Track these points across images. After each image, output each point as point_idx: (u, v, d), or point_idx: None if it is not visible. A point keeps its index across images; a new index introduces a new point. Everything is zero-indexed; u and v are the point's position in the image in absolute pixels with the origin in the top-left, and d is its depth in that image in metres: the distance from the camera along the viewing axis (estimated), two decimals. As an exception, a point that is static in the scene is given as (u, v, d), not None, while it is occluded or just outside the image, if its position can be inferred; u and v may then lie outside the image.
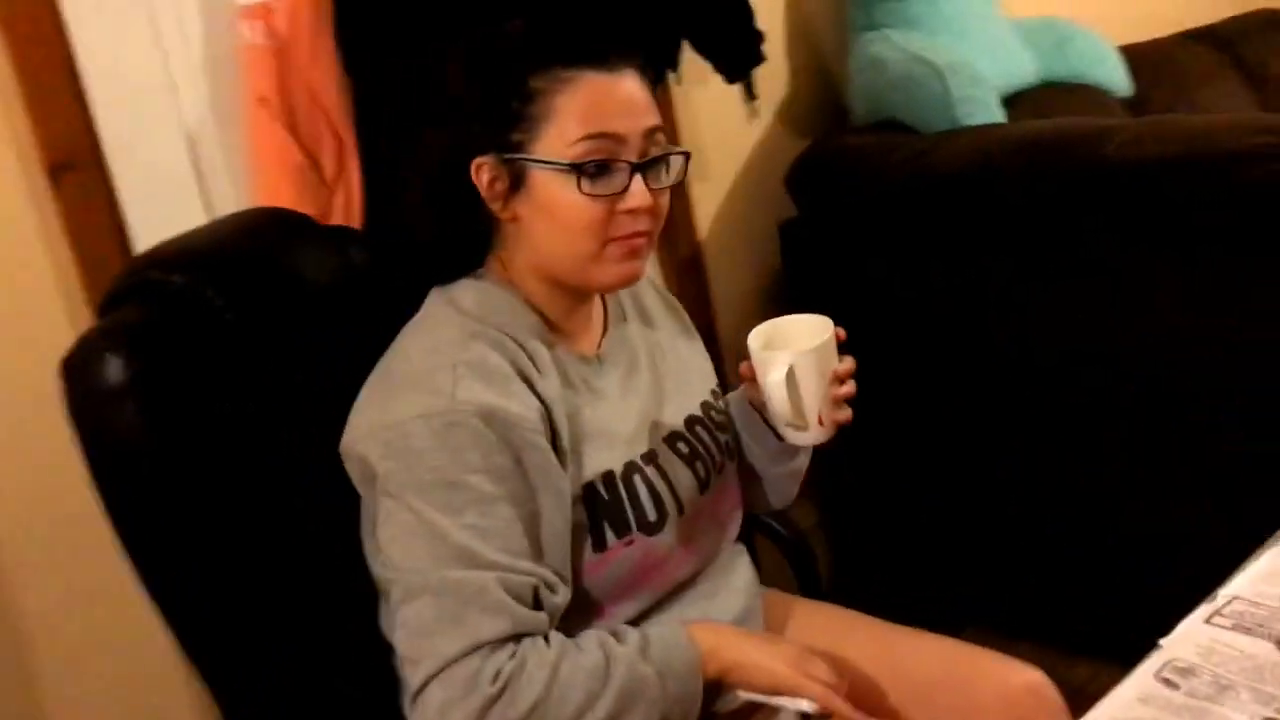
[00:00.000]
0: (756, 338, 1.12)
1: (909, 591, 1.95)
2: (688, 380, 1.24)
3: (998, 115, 2.07)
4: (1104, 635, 2.01)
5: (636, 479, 1.11)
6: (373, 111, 1.56)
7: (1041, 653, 1.29)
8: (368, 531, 1.10)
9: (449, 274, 1.13)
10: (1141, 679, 0.82)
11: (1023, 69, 2.38)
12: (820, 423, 1.11)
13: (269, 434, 1.08)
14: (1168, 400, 1.75)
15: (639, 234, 1.07)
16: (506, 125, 1.05)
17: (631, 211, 1.05)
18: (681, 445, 1.18)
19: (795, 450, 1.25)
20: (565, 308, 1.13)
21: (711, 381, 1.28)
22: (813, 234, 2.12)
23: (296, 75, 1.55)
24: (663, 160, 1.08)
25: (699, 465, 1.18)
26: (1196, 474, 1.78)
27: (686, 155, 1.11)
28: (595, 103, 1.04)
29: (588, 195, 1.03)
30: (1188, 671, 0.82)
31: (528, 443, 1.01)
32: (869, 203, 2.01)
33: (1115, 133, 1.73)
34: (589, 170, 1.03)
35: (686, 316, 1.31)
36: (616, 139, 1.04)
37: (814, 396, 1.10)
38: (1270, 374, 1.62)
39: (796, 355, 1.08)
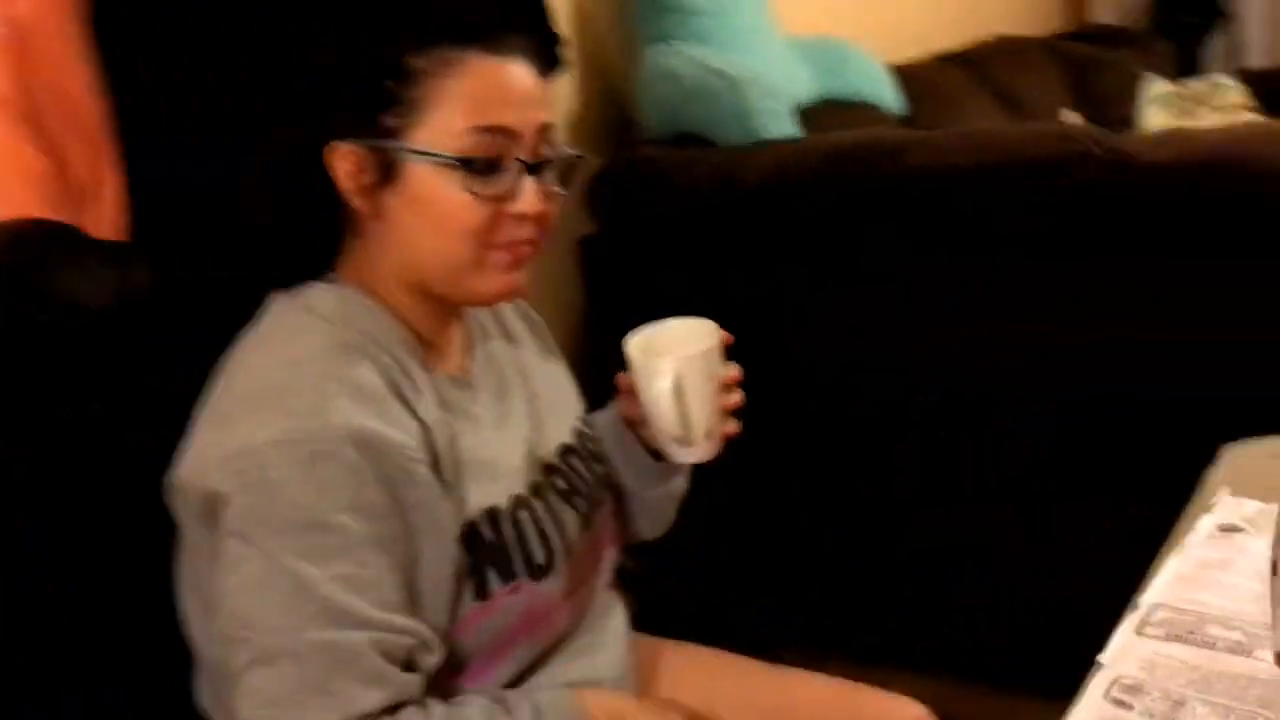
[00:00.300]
0: (635, 345, 1.02)
1: (716, 613, 1.89)
2: (558, 405, 1.11)
3: (792, 128, 2.05)
4: (904, 648, 2.04)
5: (523, 516, 0.97)
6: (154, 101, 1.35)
7: (919, 682, 1.24)
8: (189, 583, 0.93)
9: (294, 276, 0.96)
10: (1092, 702, 0.76)
11: (804, 85, 2.38)
12: (708, 435, 1.02)
13: (113, 441, 0.94)
14: (967, 408, 1.76)
15: (526, 242, 0.95)
16: (378, 108, 0.90)
17: (520, 216, 0.93)
18: (559, 479, 1.05)
19: (674, 470, 1.14)
20: (434, 322, 0.99)
21: (579, 406, 1.16)
22: (613, 250, 2.03)
23: (41, 71, 1.33)
24: (555, 162, 0.97)
25: (579, 501, 1.05)
26: (997, 481, 1.80)
27: (579, 158, 1.00)
28: (486, 90, 0.91)
29: (474, 195, 0.90)
30: (1136, 689, 0.77)
31: (408, 475, 0.87)
32: (670, 217, 1.94)
33: (915, 144, 1.74)
34: (478, 167, 0.90)
35: (548, 334, 1.19)
36: (508, 134, 0.92)
37: (702, 407, 1.00)
38: (1069, 377, 1.66)
39: (683, 361, 0.98)
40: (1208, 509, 0.97)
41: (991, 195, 1.65)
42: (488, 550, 0.94)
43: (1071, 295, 1.62)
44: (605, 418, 1.17)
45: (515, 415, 1.04)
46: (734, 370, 1.05)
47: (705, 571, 2.18)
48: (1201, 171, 1.48)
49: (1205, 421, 1.50)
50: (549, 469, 1.04)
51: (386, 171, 0.91)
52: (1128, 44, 3.87)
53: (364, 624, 0.83)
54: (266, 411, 0.86)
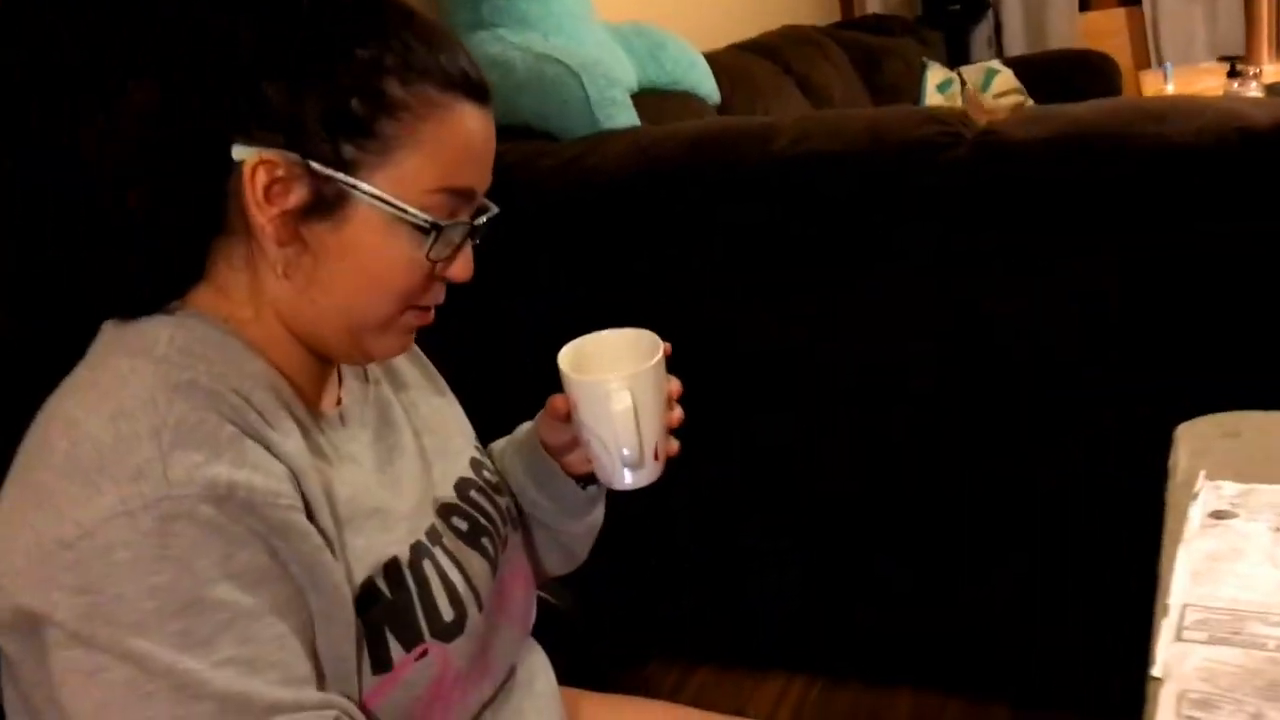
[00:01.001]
0: (569, 361, 0.90)
1: (582, 629, 1.79)
2: (450, 440, 0.98)
3: (635, 117, 1.95)
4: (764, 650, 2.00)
5: (426, 566, 0.83)
6: None
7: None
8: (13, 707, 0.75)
9: (136, 303, 0.79)
10: (1168, 723, 0.69)
11: (627, 73, 2.30)
12: (655, 456, 0.91)
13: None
14: (843, 393, 1.72)
15: (434, 304, 0.85)
16: (340, 131, 0.75)
17: (447, 280, 0.83)
18: (458, 519, 0.91)
19: (598, 499, 1.03)
20: (305, 361, 0.83)
21: (472, 435, 1.02)
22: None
23: None
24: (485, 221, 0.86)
25: (485, 541, 0.92)
26: (898, 470, 1.76)
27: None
28: (468, 146, 0.80)
29: (423, 258, 0.79)
30: (1205, 703, 0.71)
31: (283, 524, 0.72)
32: (520, 215, 1.80)
33: (780, 130, 1.67)
34: (438, 230, 0.79)
35: (433, 368, 1.05)
36: (468, 197, 0.81)
37: (654, 425, 0.90)
38: (957, 364, 1.63)
39: (637, 377, 0.87)
40: (1193, 496, 0.93)
41: (858, 180, 1.60)
42: (387, 611, 0.79)
43: (944, 279, 1.60)
44: (510, 447, 1.05)
45: (403, 454, 0.91)
46: (676, 383, 0.95)
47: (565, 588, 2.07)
48: (1075, 148, 1.47)
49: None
50: (447, 509, 0.91)
51: (325, 204, 0.76)
52: (905, 33, 3.99)
53: (271, 710, 0.69)
54: (94, 480, 0.68)
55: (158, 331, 0.76)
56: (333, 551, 0.76)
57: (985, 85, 3.72)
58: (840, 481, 1.77)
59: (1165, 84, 3.53)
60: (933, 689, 1.83)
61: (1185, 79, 3.59)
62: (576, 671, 1.21)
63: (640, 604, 1.98)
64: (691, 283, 1.73)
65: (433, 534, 0.86)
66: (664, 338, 0.90)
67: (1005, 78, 3.74)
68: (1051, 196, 1.49)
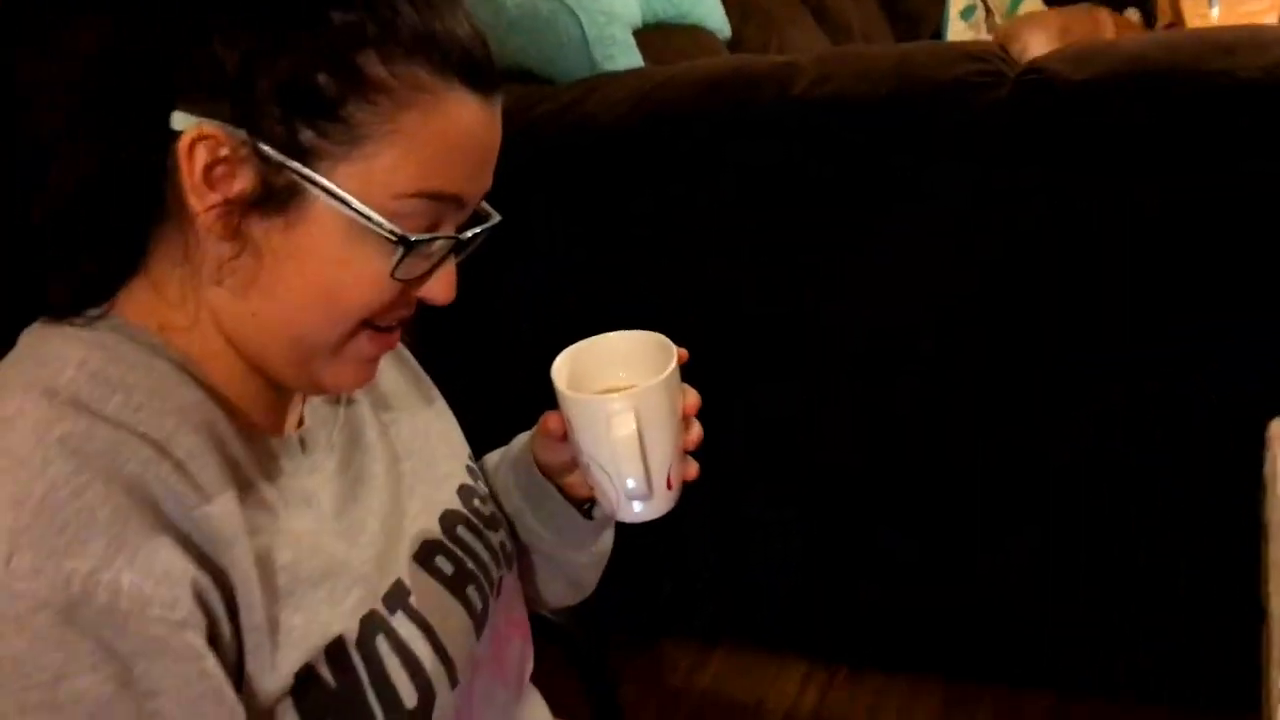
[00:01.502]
0: (565, 374, 0.76)
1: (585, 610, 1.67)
2: (433, 459, 0.83)
3: (638, 57, 1.79)
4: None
5: (381, 643, 0.68)
6: None
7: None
8: None
9: (63, 298, 0.66)
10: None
11: (628, 7, 2.12)
12: (669, 485, 0.77)
13: None
14: (868, 354, 1.57)
15: (402, 326, 0.71)
16: (299, 111, 0.61)
17: (421, 301, 0.69)
18: (442, 561, 0.77)
19: (602, 526, 0.89)
20: (253, 380, 0.69)
21: (464, 452, 0.88)
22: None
23: None
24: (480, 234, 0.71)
25: (471, 591, 0.78)
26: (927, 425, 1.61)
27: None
28: (460, 143, 0.65)
29: (390, 275, 0.65)
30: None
31: (156, 643, 0.56)
32: (512, 168, 1.65)
33: (800, 70, 1.50)
34: (413, 243, 0.65)
35: (421, 372, 0.90)
36: (456, 203, 0.67)
37: (665, 450, 0.75)
38: (991, 315, 1.48)
39: (643, 396, 0.73)
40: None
41: (888, 123, 1.44)
42: (329, 702, 0.64)
43: (982, 222, 1.45)
44: (504, 462, 0.90)
45: (372, 488, 0.76)
46: (693, 396, 0.80)
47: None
48: (1126, 87, 1.31)
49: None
50: (428, 548, 0.77)
51: (274, 197, 0.62)
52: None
53: None
54: None
55: (69, 351, 0.63)
56: (246, 660, 0.61)
57: (1011, 9, 3.52)
58: (846, 453, 1.63)
59: (1210, 9, 3.32)
60: (932, 672, 1.71)
61: (1230, 5, 3.37)
62: (582, 657, 1.09)
63: (643, 580, 1.85)
64: (697, 241, 1.58)
65: (395, 596, 0.72)
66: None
67: (1033, 3, 3.53)
68: (1100, 137, 1.34)
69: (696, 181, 1.55)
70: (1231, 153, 1.31)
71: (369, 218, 0.63)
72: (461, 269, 0.72)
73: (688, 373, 0.78)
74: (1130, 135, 1.31)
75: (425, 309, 0.72)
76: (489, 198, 0.72)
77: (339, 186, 0.62)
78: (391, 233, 0.63)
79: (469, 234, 0.69)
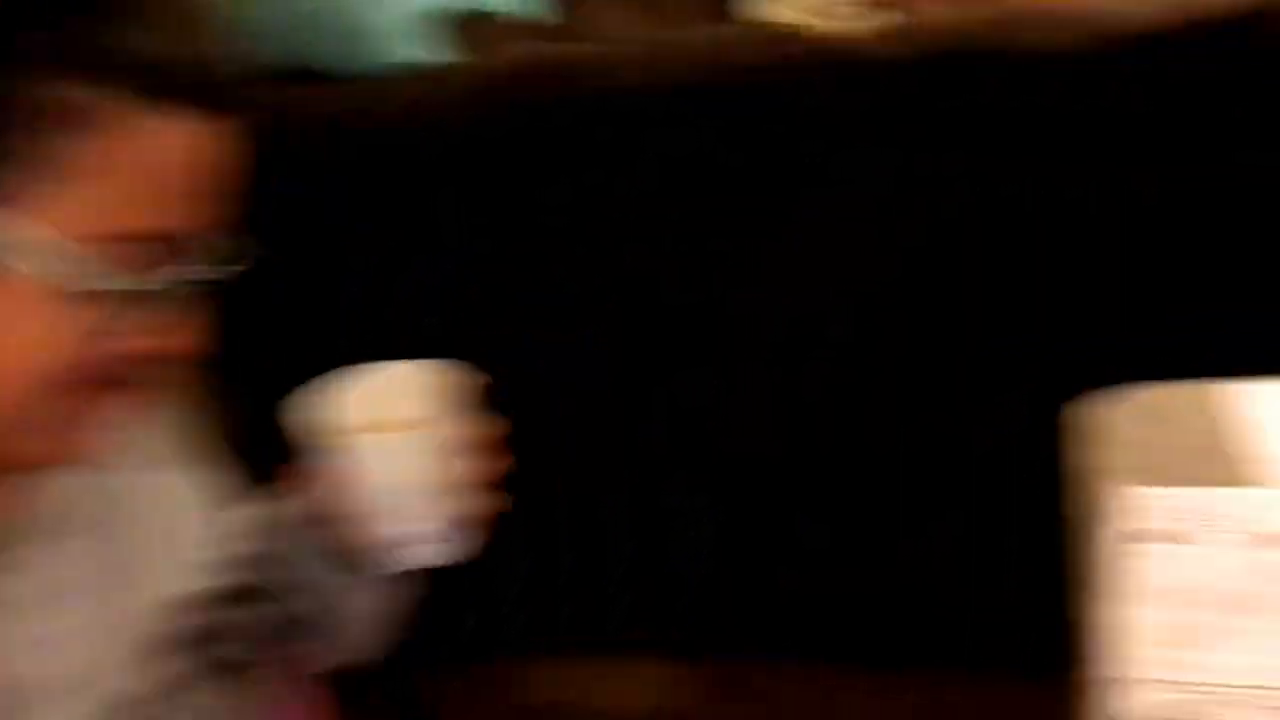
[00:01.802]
0: (329, 408, 0.69)
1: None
2: (185, 525, 0.73)
3: (425, 50, 1.69)
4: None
5: None
6: None
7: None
8: None
9: None
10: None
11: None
12: (451, 526, 0.71)
13: None
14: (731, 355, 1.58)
15: (117, 385, 0.60)
16: None
17: (129, 356, 0.59)
18: (198, 651, 0.68)
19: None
20: None
21: (226, 522, 0.77)
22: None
23: None
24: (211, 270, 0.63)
25: (231, 683, 0.70)
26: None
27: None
28: (163, 176, 0.58)
29: (83, 330, 0.56)
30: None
31: None
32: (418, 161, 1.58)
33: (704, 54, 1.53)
34: (105, 293, 0.56)
35: (174, 422, 0.79)
36: (163, 240, 0.58)
37: (434, 490, 0.70)
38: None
39: (406, 436, 0.69)
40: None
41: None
42: None
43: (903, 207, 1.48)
44: (284, 514, 0.81)
45: (90, 559, 0.66)
46: (488, 427, 0.72)
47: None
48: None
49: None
50: (186, 637, 0.69)
51: None
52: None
53: None
54: None
55: None
56: None
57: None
58: (764, 441, 1.63)
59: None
60: (853, 661, 1.70)
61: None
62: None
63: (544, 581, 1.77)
64: (612, 230, 1.54)
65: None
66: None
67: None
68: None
69: (613, 170, 1.52)
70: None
71: (43, 265, 0.54)
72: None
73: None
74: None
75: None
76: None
77: (7, 228, 0.53)
78: (76, 287, 0.54)
79: (195, 274, 0.60)
